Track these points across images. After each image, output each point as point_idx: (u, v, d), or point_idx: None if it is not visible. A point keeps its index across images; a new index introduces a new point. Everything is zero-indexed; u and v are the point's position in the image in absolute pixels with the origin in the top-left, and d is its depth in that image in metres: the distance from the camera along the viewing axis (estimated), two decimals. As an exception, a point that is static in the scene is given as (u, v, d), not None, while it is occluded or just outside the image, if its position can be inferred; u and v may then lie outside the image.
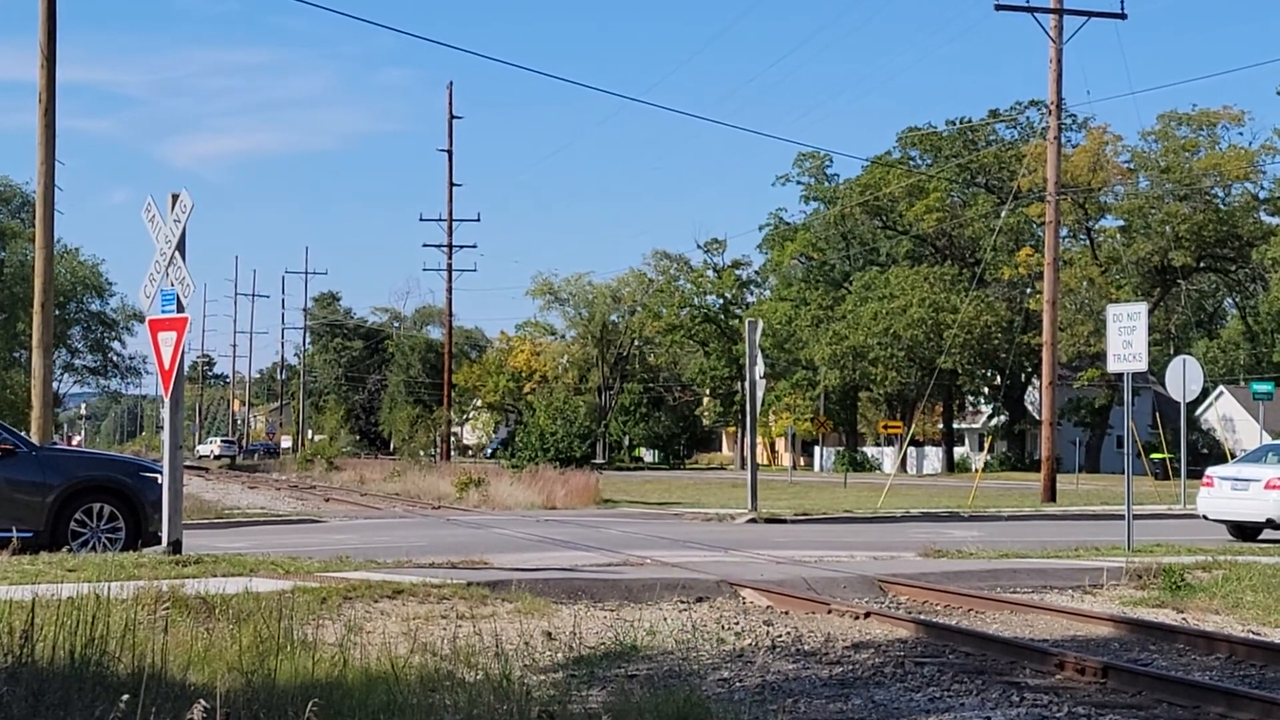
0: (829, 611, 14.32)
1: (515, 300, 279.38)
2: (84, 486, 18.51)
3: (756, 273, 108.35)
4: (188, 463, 73.10)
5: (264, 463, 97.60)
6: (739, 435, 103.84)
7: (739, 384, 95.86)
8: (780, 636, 12.82)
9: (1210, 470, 27.57)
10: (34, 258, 29.81)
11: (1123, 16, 40.58)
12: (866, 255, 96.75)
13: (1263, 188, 78.39)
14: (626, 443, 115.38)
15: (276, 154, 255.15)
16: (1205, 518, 26.72)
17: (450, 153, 73.04)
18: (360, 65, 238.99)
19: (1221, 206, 77.45)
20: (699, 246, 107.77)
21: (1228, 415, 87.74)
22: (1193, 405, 58.67)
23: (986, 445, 71.42)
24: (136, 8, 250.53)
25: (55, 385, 61.47)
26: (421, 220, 76.59)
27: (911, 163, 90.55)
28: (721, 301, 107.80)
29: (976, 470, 61.05)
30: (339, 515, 34.46)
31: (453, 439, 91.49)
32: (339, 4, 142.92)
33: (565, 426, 65.36)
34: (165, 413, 17.55)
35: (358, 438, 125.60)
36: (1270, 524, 25.48)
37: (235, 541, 22.97)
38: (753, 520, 30.39)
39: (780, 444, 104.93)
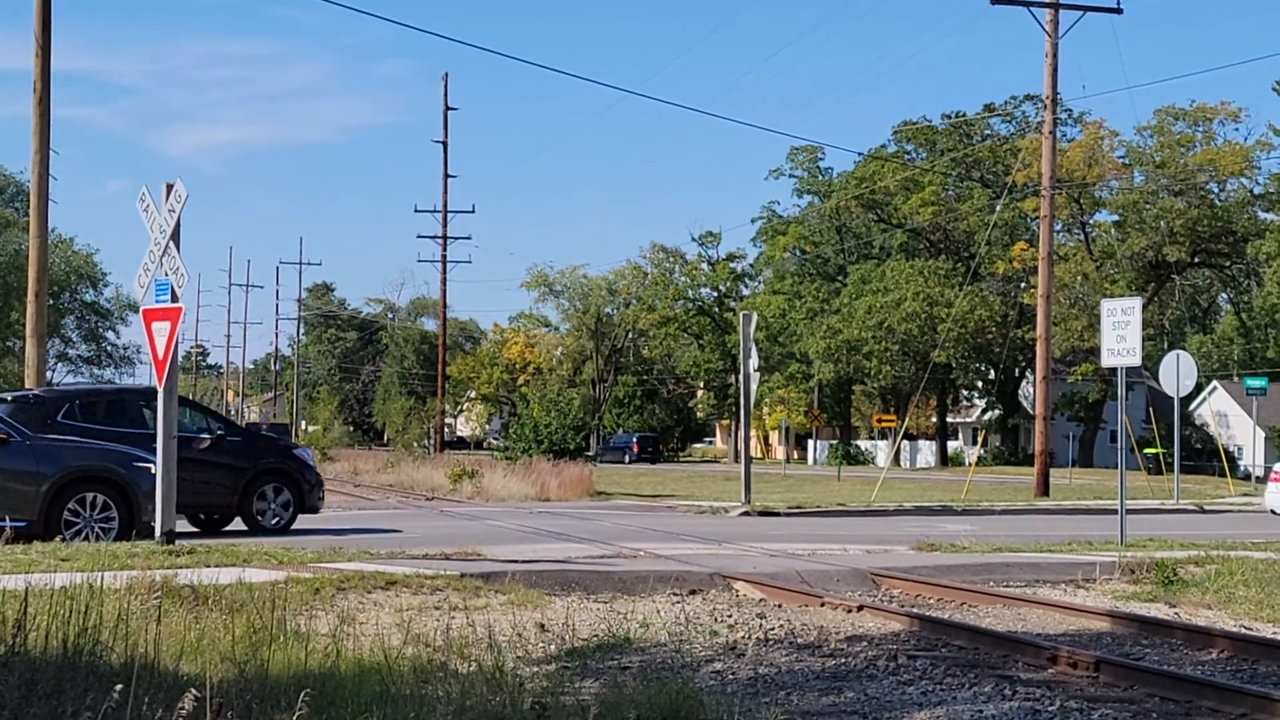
0: (822, 604, 14.33)
1: (510, 292, 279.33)
2: (77, 476, 18.52)
3: (751, 266, 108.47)
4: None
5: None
6: (733, 428, 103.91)
7: (733, 377, 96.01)
8: (773, 629, 12.83)
9: (1277, 466, 28.01)
10: (28, 247, 29.79)
11: (1118, 11, 40.52)
12: (860, 249, 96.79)
13: (1258, 183, 78.50)
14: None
15: (273, 145, 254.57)
16: (1273, 512, 27.08)
17: (445, 144, 73.01)
18: (359, 56, 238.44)
19: (1216, 202, 77.51)
20: (693, 239, 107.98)
21: (1221, 410, 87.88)
22: (1186, 400, 58.77)
23: (980, 439, 71.61)
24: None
25: (49, 375, 61.34)
26: (416, 212, 76.83)
27: (907, 157, 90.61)
28: (716, 294, 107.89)
29: (970, 464, 61.08)
30: (332, 506, 34.38)
31: (446, 430, 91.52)
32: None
33: (559, 418, 65.30)
34: (159, 403, 17.53)
35: (351, 429, 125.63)
36: None
37: (229, 532, 22.96)
38: (746, 513, 30.41)
39: (774, 437, 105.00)
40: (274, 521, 22.91)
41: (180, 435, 20.86)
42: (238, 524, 23.46)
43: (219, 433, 23.18)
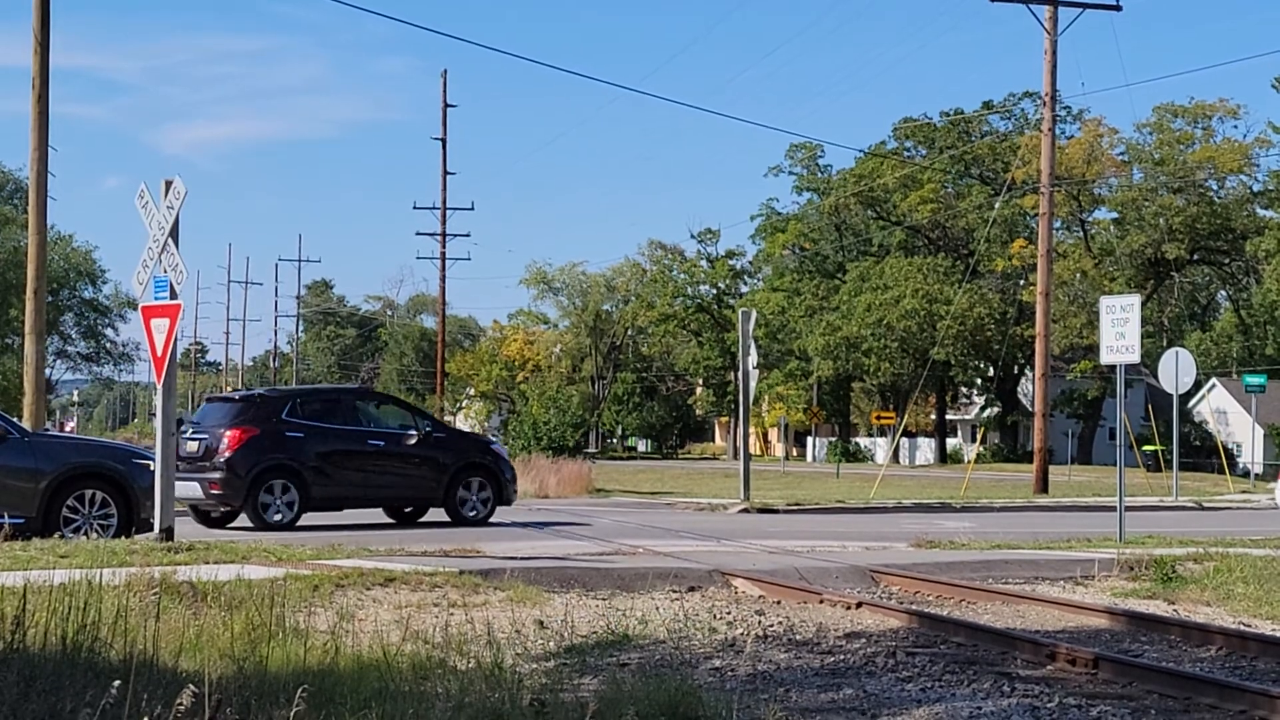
0: (821, 601, 14.33)
1: (509, 289, 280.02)
2: (76, 473, 18.53)
3: (750, 263, 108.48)
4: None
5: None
6: (732, 425, 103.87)
7: (732, 374, 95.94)
8: (772, 626, 12.83)
9: None
10: (27, 244, 29.78)
11: (1117, 8, 40.51)
12: (860, 246, 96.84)
13: (1257, 180, 78.54)
14: (619, 432, 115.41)
15: (271, 142, 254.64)
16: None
17: (444, 141, 72.82)
18: (356, 53, 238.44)
19: (1216, 199, 77.53)
20: (693, 236, 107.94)
21: (1220, 408, 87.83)
22: (1185, 397, 58.76)
23: (979, 436, 71.62)
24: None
25: (48, 372, 61.40)
26: (415, 209, 76.59)
27: (906, 154, 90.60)
28: (715, 291, 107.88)
29: (969, 461, 61.10)
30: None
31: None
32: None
33: (558, 416, 65.33)
34: (158, 400, 17.53)
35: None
36: None
37: (227, 529, 22.97)
38: (745, 510, 30.42)
39: (773, 434, 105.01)
40: (474, 513, 24.24)
41: (390, 432, 24.51)
42: (430, 516, 24.65)
43: (426, 429, 24.62)
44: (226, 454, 22.77)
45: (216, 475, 22.77)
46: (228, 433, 22.95)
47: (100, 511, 18.35)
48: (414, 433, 24.31)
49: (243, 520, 23.59)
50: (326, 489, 23.39)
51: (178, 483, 23.26)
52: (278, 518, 22.76)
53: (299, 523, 22.97)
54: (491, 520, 24.27)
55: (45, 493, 18.09)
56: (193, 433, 23.63)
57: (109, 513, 18.37)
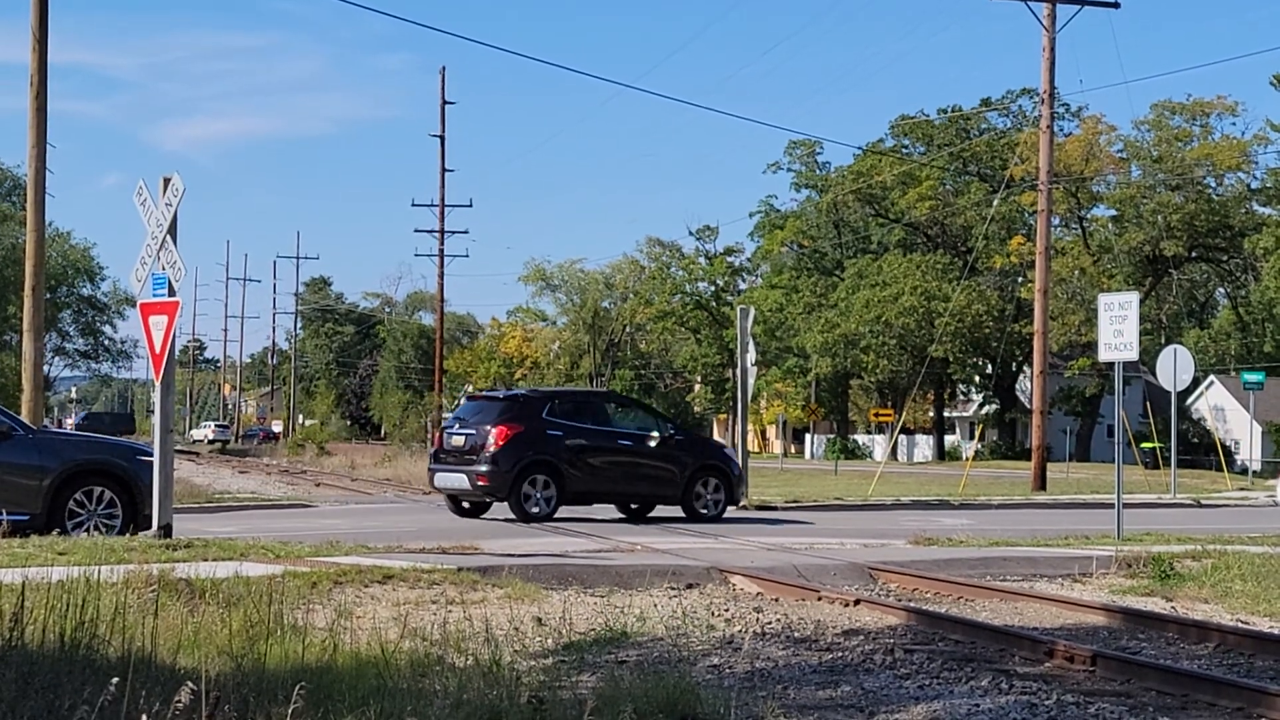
0: (819, 599, 14.33)
1: (507, 286, 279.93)
2: (80, 470, 18.50)
3: (748, 260, 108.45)
4: (179, 447, 72.79)
5: (256, 447, 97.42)
6: (730, 422, 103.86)
7: (730, 371, 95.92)
8: (770, 623, 12.83)
9: None
10: (25, 241, 29.77)
11: (1116, 6, 40.52)
12: (858, 243, 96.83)
13: (1255, 178, 78.52)
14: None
15: (269, 138, 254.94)
16: None
17: (443, 138, 72.80)
18: (355, 50, 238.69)
19: (1214, 196, 77.49)
20: (691, 233, 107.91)
21: (1218, 405, 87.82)
22: (1183, 395, 58.71)
23: (977, 434, 71.52)
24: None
25: (46, 369, 61.30)
26: (414, 206, 76.52)
27: (904, 151, 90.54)
28: (713, 289, 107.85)
29: (967, 458, 61.02)
30: (329, 500, 34.46)
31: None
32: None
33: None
34: (156, 397, 17.52)
35: (348, 423, 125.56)
36: None
37: (226, 526, 22.96)
38: (744, 507, 30.39)
39: (771, 431, 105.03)
40: (707, 512, 25.42)
41: (637, 432, 25.92)
42: (659, 512, 25.82)
43: (669, 432, 26.12)
44: (493, 449, 24.09)
45: (484, 468, 24.13)
46: (494, 429, 24.24)
47: (105, 509, 18.32)
48: (656, 434, 25.62)
49: (495, 512, 24.75)
50: (581, 484, 24.70)
51: (446, 474, 24.98)
52: (537, 510, 24.00)
53: (555, 515, 24.15)
54: (484, 516, 24.37)
55: (49, 490, 18.05)
56: (458, 428, 25.04)
57: (114, 510, 18.33)
